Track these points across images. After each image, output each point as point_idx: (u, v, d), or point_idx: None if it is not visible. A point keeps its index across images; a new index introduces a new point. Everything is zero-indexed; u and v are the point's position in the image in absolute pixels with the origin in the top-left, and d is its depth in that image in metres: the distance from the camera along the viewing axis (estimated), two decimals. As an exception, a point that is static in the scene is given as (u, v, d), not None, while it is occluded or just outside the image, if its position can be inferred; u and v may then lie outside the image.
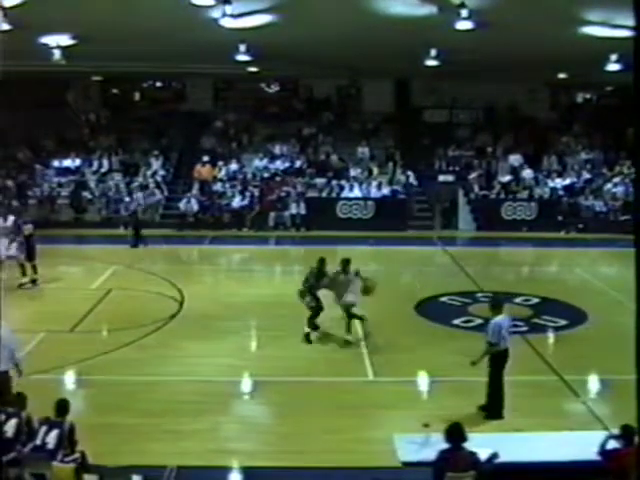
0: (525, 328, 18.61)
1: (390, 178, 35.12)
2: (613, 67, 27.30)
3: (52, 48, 23.93)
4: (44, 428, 10.59)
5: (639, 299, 3.97)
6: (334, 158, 36.03)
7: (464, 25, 20.48)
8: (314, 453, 12.13)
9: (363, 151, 36.54)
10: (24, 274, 22.88)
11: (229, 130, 38.22)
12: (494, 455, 9.96)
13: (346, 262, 17.84)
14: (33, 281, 22.93)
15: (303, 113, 39.25)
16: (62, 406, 10.77)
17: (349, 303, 17.57)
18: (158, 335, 18.33)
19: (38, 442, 10.52)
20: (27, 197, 33.52)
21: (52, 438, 10.45)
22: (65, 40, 23.56)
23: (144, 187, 33.97)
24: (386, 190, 34.35)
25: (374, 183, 34.55)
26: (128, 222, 30.51)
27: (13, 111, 37.16)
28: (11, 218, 23.54)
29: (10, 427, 10.69)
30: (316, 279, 17.99)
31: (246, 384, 15.66)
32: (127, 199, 32.76)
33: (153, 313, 20.01)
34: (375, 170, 35.52)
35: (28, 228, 23.48)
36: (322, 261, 18.25)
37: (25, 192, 33.88)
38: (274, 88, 41.64)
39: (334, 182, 34.50)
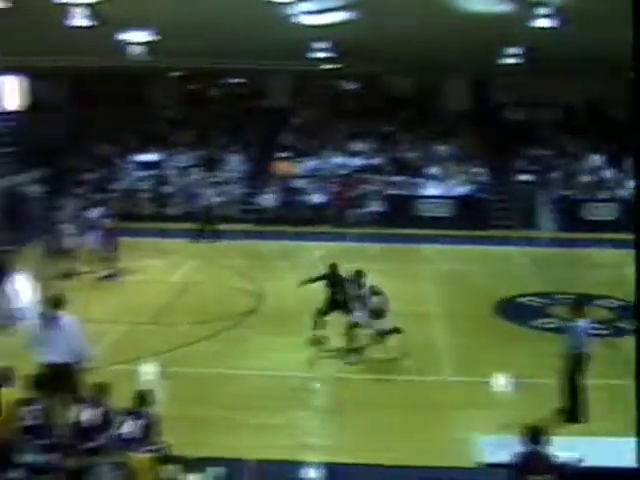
0: (606, 331, 18.34)
1: (469, 177, 34.88)
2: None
3: (132, 44, 24.20)
4: (125, 418, 10.73)
5: (639, 299, 3.94)
6: (413, 155, 35.92)
7: (544, 22, 20.22)
8: (391, 451, 12.12)
9: (442, 149, 36.34)
10: (106, 266, 23.30)
11: (308, 127, 38.30)
12: (576, 459, 9.83)
13: (358, 274, 16.84)
14: (115, 274, 23.30)
15: (382, 110, 39.16)
16: (143, 397, 10.90)
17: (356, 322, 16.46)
18: (237, 329, 18.48)
19: (118, 432, 10.67)
20: (109, 190, 34.02)
21: (133, 428, 10.59)
22: (145, 36, 23.81)
23: (223, 182, 34.29)
24: (465, 188, 34.12)
25: (453, 181, 34.36)
26: (201, 217, 30.72)
27: (95, 106, 37.85)
28: (96, 210, 23.96)
29: (92, 416, 10.87)
30: (333, 285, 17.24)
31: (325, 380, 15.69)
32: (206, 193, 33.16)
33: (232, 307, 20.18)
34: (454, 168, 35.30)
35: (110, 221, 23.86)
36: (334, 266, 17.52)
37: (107, 185, 34.39)
38: (353, 85, 41.63)
39: (413, 180, 34.39)
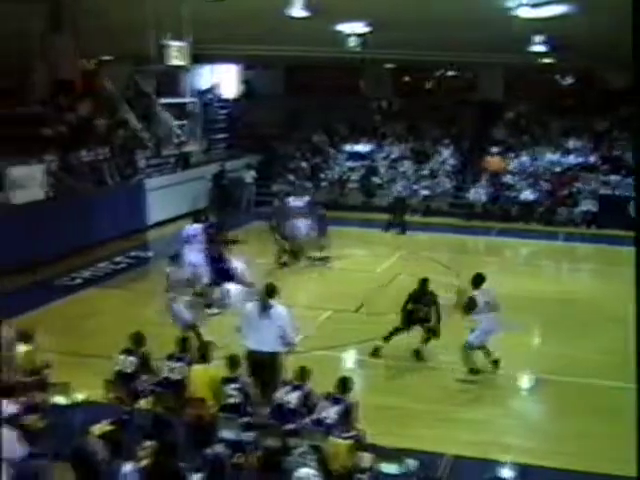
0: None
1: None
2: None
3: (348, 35, 24.46)
4: (326, 403, 10.91)
5: (639, 299, 3.68)
6: (629, 155, 34.70)
7: None
8: (589, 457, 11.80)
9: (661, 148, 34.90)
10: (315, 254, 23.74)
11: (521, 122, 37.62)
12: None
13: (480, 279, 15.48)
14: (323, 261, 23.70)
15: (598, 107, 37.99)
16: (345, 383, 11.05)
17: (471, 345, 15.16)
18: (440, 323, 18.33)
19: (319, 416, 10.85)
20: (320, 179, 34.58)
21: (333, 413, 10.74)
22: (360, 28, 24.02)
23: (433, 175, 34.22)
24: (684, 190, 32.65)
25: (673, 183, 32.93)
26: (394, 208, 30.60)
27: (310, 95, 38.60)
28: (305, 198, 24.39)
29: (293, 399, 11.12)
30: (414, 301, 16.11)
31: (524, 380, 15.44)
32: (415, 186, 33.19)
33: (435, 301, 20.03)
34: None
35: (321, 209, 24.25)
36: (424, 283, 16.28)
37: (318, 174, 34.95)
38: (568, 80, 40.61)
39: (629, 180, 33.21)
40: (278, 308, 12.83)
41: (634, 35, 3.66)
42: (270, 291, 13.00)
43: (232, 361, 11.67)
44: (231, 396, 11.31)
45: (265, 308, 12.73)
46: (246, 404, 11.34)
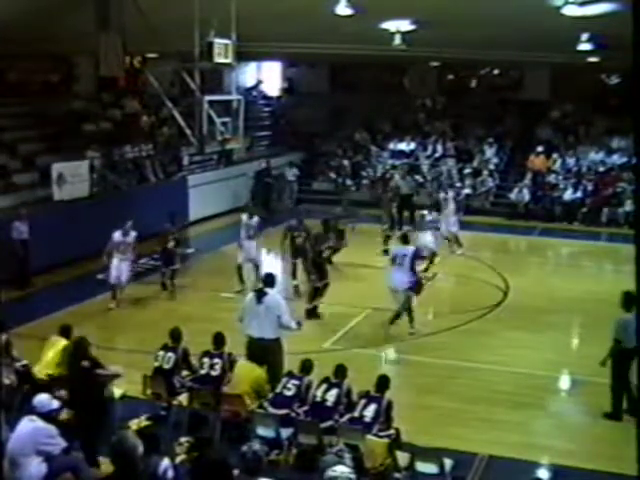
0: None
1: None
2: None
3: (392, 33, 24.37)
4: (363, 401, 10.93)
5: (639, 297, 3.63)
6: (675, 154, 34.24)
7: None
8: (631, 460, 11.67)
9: None
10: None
11: (566, 121, 37.31)
12: None
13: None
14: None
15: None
16: (383, 382, 11.07)
17: None
18: (480, 322, 18.27)
19: (356, 414, 10.87)
20: (361, 177, 34.53)
21: (369, 412, 10.76)
22: (405, 25, 23.92)
23: (476, 174, 34.03)
24: None
25: None
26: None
27: (354, 93, 38.55)
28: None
29: (330, 396, 11.14)
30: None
31: (564, 381, 15.35)
32: (458, 184, 33.02)
33: (476, 300, 19.94)
34: None
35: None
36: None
37: (359, 172, 34.91)
38: (614, 79, 40.16)
39: (673, 180, 32.77)
40: (273, 296, 13.11)
41: (634, 36, 3.61)
42: (270, 281, 13.30)
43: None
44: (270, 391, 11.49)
45: (260, 296, 12.93)
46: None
